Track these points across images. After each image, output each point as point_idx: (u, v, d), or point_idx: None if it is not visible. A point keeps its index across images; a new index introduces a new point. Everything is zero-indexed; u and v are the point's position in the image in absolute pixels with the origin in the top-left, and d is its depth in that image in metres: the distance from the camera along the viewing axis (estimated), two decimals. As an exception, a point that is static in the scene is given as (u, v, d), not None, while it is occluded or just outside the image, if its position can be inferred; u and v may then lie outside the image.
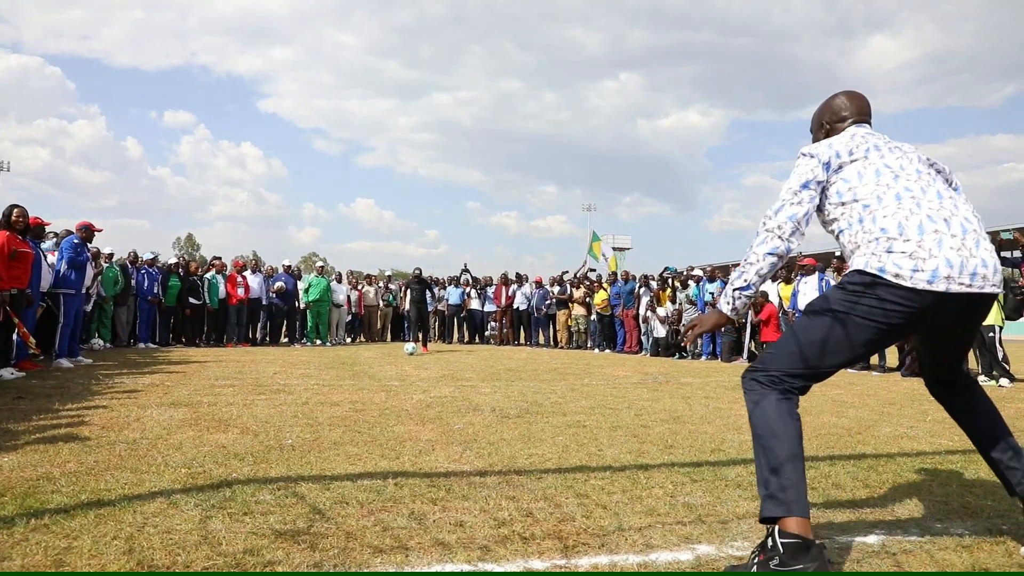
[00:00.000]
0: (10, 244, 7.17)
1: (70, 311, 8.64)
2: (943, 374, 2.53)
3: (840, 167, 2.36)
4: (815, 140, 2.65)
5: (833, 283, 11.13)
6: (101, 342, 11.75)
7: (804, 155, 2.41)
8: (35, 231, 8.34)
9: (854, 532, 2.52)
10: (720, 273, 13.86)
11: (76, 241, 8.88)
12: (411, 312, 13.59)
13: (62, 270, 8.59)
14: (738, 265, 2.38)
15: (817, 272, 11.47)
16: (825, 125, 2.63)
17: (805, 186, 2.34)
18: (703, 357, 12.86)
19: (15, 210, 7.46)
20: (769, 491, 2.12)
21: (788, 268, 12.53)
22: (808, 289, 11.34)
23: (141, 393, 6.03)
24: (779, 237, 2.31)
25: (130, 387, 6.48)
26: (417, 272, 14.06)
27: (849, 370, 10.43)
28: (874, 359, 10.61)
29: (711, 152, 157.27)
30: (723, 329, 12.38)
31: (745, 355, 12.24)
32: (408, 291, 14.15)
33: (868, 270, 2.17)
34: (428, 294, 13.88)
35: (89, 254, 9.21)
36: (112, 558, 2.11)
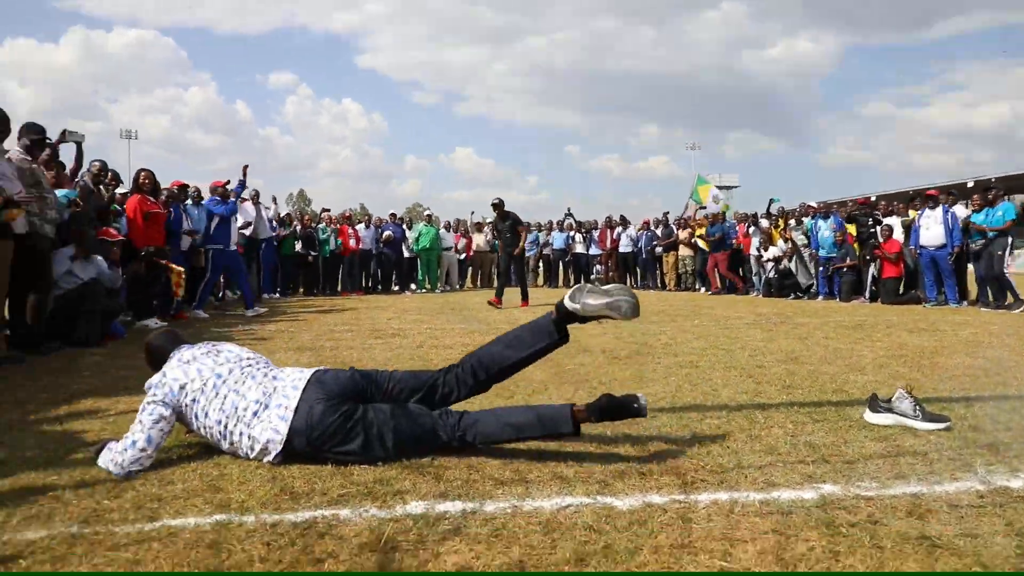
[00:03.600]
0: (142, 206, 7.79)
1: (218, 265, 9.29)
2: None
3: (187, 395, 2.59)
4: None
5: (960, 216, 10.40)
6: (231, 294, 12.54)
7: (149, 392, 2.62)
8: (176, 193, 9.02)
9: (1001, 476, 2.38)
10: (837, 208, 13.05)
11: (217, 199, 9.40)
12: (501, 260, 11.24)
13: (212, 227, 9.13)
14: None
15: (941, 206, 10.66)
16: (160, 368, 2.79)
17: (156, 422, 2.51)
18: (819, 297, 12.34)
19: (142, 173, 8.16)
20: None
21: (913, 199, 11.76)
22: (931, 223, 10.59)
23: (269, 340, 6.42)
24: (148, 455, 2.48)
25: (260, 334, 6.90)
26: (498, 204, 10.78)
27: (982, 308, 9.75)
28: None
29: (825, 82, 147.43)
30: (844, 269, 11.85)
31: (867, 294, 11.64)
32: (496, 232, 12.15)
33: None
34: (518, 234, 10.75)
35: (228, 208, 9.42)
36: (258, 485, 2.28)
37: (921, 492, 2.23)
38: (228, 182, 9.62)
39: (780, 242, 13.38)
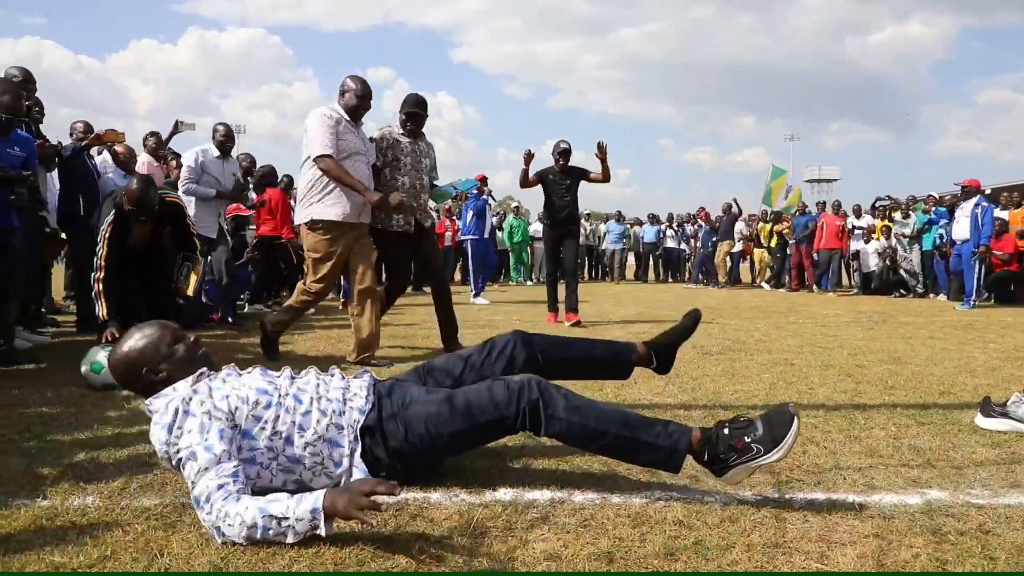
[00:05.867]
0: (283, 203, 8.18)
1: (476, 253, 10.65)
2: None
3: None
4: None
5: (992, 212, 9.65)
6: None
7: None
8: None
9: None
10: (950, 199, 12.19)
11: (475, 192, 10.36)
12: (549, 241, 7.16)
13: (468, 220, 10.68)
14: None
15: (977, 198, 9.81)
16: None
17: None
18: (930, 296, 11.69)
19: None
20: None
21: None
22: (961, 215, 9.97)
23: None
24: None
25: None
26: (567, 149, 7.03)
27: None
28: None
29: (936, 67, 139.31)
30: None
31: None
32: (546, 184, 6.97)
33: None
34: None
35: (483, 201, 10.96)
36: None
37: (1039, 502, 2.09)
38: (485, 177, 10.97)
39: (883, 237, 12.76)
